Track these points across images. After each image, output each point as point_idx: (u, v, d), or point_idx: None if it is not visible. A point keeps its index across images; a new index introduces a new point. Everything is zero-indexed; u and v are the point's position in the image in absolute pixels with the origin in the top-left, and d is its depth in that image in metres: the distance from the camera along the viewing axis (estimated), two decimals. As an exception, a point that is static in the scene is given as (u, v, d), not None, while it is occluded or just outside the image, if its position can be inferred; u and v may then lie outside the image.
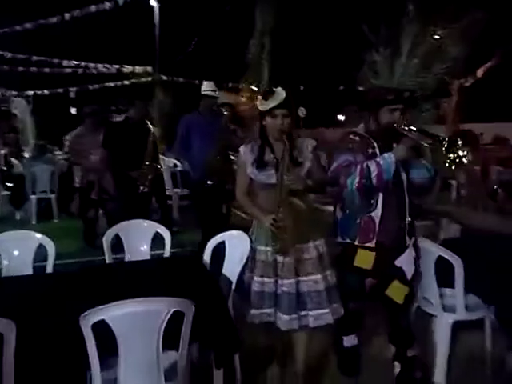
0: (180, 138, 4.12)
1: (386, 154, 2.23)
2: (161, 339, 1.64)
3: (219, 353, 2.01)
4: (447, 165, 2.19)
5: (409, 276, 2.36)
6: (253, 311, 2.25)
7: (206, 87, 4.23)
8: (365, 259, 2.36)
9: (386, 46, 9.08)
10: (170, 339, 1.71)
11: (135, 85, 15.15)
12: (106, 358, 1.69)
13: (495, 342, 2.60)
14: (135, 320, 1.57)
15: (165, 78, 15.46)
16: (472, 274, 2.42)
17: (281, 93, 2.15)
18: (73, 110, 17.53)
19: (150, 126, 4.45)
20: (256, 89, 9.74)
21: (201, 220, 4.13)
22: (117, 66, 14.95)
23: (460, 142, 2.17)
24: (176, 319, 1.67)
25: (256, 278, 2.26)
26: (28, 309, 1.87)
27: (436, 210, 3.17)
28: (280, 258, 2.22)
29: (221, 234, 2.59)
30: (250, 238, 2.34)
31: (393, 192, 2.31)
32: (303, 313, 2.23)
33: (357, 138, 2.35)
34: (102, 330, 1.59)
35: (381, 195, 2.31)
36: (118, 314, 1.54)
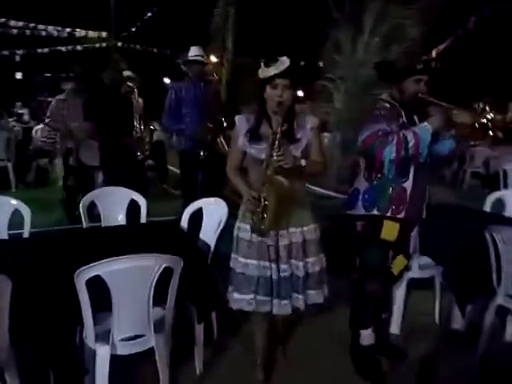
0: (168, 109, 3.87)
1: (422, 124, 2.15)
2: (152, 293, 1.76)
3: (201, 308, 2.17)
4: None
5: (411, 250, 2.40)
6: (234, 294, 2.09)
7: (194, 52, 3.99)
8: (390, 231, 2.27)
9: (349, 23, 9.23)
10: (155, 297, 1.83)
11: (88, 50, 14.50)
12: (95, 314, 1.80)
13: (443, 299, 2.94)
14: (129, 275, 1.69)
15: (120, 44, 14.92)
16: (426, 239, 2.70)
17: (284, 61, 1.94)
18: (18, 75, 16.52)
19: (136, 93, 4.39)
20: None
21: (183, 189, 4.08)
22: (69, 30, 14.22)
23: (488, 109, 2.28)
24: (161, 278, 1.80)
25: (239, 259, 2.09)
26: (17, 269, 1.92)
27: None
28: (269, 241, 2.04)
29: (197, 201, 2.70)
30: (237, 216, 2.16)
31: (422, 163, 2.22)
32: (295, 295, 2.09)
33: (387, 105, 2.25)
34: (91, 288, 1.69)
35: (412, 165, 2.22)
36: (112, 269, 1.64)
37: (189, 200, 2.92)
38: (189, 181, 3.93)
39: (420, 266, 2.77)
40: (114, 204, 2.89)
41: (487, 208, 3.29)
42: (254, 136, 2.05)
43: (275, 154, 1.88)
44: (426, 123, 2.14)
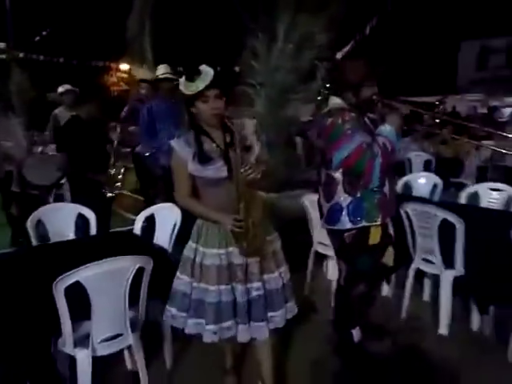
0: (145, 128, 4.00)
1: (383, 127, 2.20)
2: (127, 293, 1.92)
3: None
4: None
5: (393, 239, 2.48)
6: (208, 326, 1.91)
7: (163, 71, 4.08)
8: (376, 235, 2.31)
9: (264, 32, 9.77)
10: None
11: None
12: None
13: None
14: (106, 278, 1.83)
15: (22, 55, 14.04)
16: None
17: (208, 71, 1.82)
18: None
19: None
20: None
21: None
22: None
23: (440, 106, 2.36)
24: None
25: (211, 288, 1.90)
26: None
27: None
28: (238, 260, 1.91)
29: (150, 208, 2.85)
30: (195, 242, 1.99)
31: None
32: (270, 315, 1.96)
33: (353, 115, 2.24)
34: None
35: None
36: (91, 274, 1.78)
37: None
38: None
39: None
40: (62, 220, 2.92)
41: (399, 190, 3.86)
42: (203, 157, 1.88)
43: (242, 168, 1.78)
44: (387, 125, 2.19)
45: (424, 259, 2.83)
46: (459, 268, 2.64)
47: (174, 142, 1.95)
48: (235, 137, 1.81)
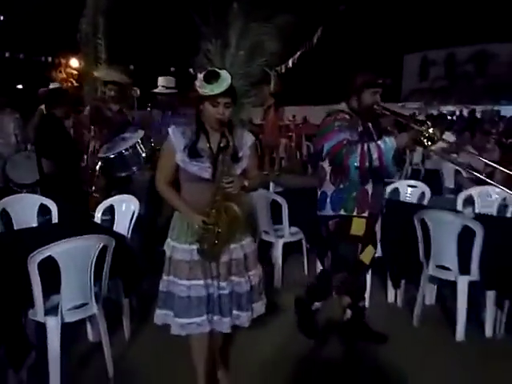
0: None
1: (387, 139, 2.34)
2: (93, 267, 2.21)
3: (127, 283, 2.66)
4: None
5: (378, 239, 2.68)
6: (179, 320, 1.96)
7: (162, 83, 4.03)
8: (359, 227, 2.51)
9: (216, 37, 10.24)
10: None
11: None
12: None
13: (309, 257, 3.87)
14: (75, 253, 2.12)
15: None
16: (294, 213, 3.60)
17: (226, 78, 1.87)
18: None
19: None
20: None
21: None
22: None
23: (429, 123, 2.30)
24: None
25: (179, 281, 1.96)
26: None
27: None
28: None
29: (110, 199, 3.13)
30: (170, 234, 2.06)
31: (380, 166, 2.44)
32: (236, 313, 2.02)
33: (347, 117, 2.46)
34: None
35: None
36: (62, 249, 2.07)
37: None
38: None
39: (292, 235, 3.68)
40: (26, 210, 3.14)
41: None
42: (193, 152, 1.94)
43: (224, 180, 1.86)
44: (392, 139, 2.33)
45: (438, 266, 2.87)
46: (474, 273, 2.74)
47: (171, 130, 2.02)
48: (229, 144, 1.90)
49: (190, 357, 2.12)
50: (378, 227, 2.66)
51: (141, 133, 3.58)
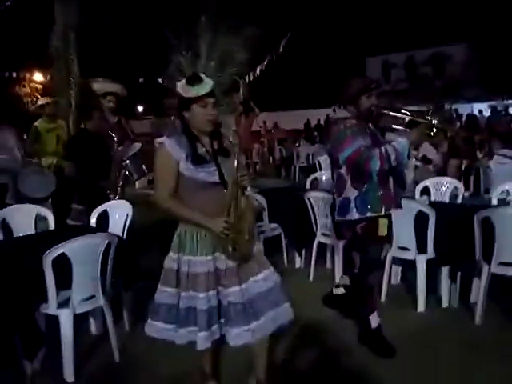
0: None
1: (399, 139, 2.47)
2: (100, 262, 2.49)
3: (126, 278, 2.95)
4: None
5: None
6: (204, 333, 1.92)
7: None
8: (383, 227, 2.62)
9: (187, 49, 10.71)
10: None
11: None
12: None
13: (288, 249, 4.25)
14: (85, 249, 2.40)
15: None
16: (273, 211, 3.97)
17: (209, 81, 1.92)
18: None
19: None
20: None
21: None
22: None
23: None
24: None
25: (201, 295, 1.92)
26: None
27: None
28: (222, 266, 1.95)
29: (104, 204, 3.39)
30: (177, 252, 1.99)
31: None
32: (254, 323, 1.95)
33: (354, 122, 2.57)
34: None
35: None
36: (74, 246, 2.35)
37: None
38: None
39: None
40: (23, 219, 3.36)
41: (308, 186, 4.78)
42: (197, 158, 1.91)
43: (239, 174, 1.87)
44: (404, 138, 2.47)
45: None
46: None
47: (165, 141, 1.98)
48: (227, 143, 1.97)
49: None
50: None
51: (138, 145, 3.83)
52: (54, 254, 2.31)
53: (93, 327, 2.99)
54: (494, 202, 3.61)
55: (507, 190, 3.66)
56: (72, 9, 9.54)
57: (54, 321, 2.49)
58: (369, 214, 2.56)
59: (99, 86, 3.87)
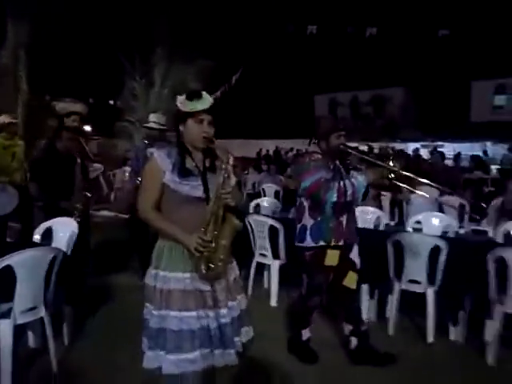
0: (134, 167, 4.59)
1: (358, 176, 2.70)
2: (44, 275, 2.60)
3: (68, 292, 3.04)
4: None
5: (358, 265, 2.92)
6: (171, 357, 1.82)
7: (152, 119, 4.59)
8: (333, 258, 2.80)
9: (141, 76, 11.08)
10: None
11: None
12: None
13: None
14: (31, 262, 2.50)
15: None
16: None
17: (208, 97, 1.93)
18: None
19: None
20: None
21: None
22: None
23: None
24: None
25: (173, 313, 1.85)
26: None
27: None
28: (205, 287, 1.89)
29: (48, 221, 3.46)
30: (155, 267, 1.93)
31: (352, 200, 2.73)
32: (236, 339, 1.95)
33: (319, 156, 2.78)
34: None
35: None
36: (19, 258, 2.44)
37: None
38: None
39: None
40: None
41: (251, 210, 5.08)
42: (183, 172, 1.90)
43: (222, 191, 1.83)
44: (363, 177, 2.68)
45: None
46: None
47: (155, 151, 1.98)
48: (218, 162, 1.91)
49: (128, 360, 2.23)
50: (356, 254, 2.91)
51: (99, 166, 3.87)
52: (-1, 265, 2.40)
53: (31, 340, 3.02)
54: (409, 229, 4.08)
55: (418, 221, 4.17)
56: (25, 27, 9.55)
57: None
58: (321, 243, 2.76)
59: (63, 105, 3.91)
